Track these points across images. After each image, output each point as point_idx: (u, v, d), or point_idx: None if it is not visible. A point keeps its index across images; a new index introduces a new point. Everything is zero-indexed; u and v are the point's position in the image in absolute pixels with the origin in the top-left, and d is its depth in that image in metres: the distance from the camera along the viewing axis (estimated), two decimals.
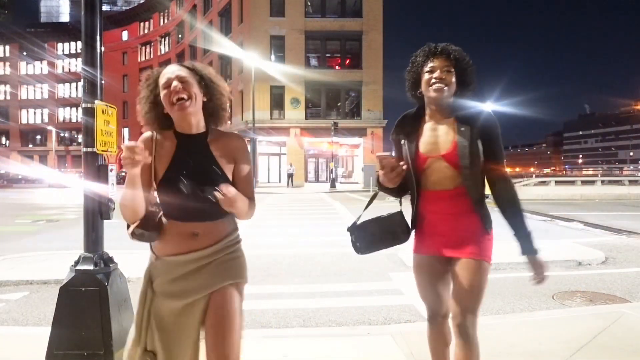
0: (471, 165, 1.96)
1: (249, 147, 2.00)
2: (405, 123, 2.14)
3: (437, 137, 2.03)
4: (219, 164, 1.78)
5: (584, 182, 22.99)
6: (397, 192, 2.13)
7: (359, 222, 2.19)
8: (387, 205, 2.18)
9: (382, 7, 31.98)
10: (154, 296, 1.77)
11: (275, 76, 29.72)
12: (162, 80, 1.75)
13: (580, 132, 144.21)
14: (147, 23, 55.98)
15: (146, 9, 55.33)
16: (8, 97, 63.29)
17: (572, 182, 23.12)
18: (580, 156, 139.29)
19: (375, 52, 31.86)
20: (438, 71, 1.99)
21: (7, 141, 64.32)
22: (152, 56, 54.96)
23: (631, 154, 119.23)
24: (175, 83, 1.71)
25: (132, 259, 6.42)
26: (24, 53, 62.00)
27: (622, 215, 13.24)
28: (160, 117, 1.81)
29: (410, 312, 4.28)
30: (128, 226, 1.76)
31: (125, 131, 57.67)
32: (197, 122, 1.80)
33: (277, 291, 4.99)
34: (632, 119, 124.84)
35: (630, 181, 23.74)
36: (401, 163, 1.93)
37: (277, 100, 31.76)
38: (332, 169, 29.53)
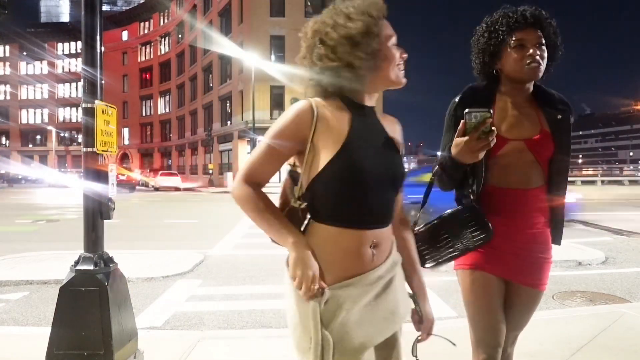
0: (560, 162, 1.62)
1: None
2: (476, 96, 1.69)
3: (519, 117, 1.64)
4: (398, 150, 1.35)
5: (584, 182, 23.01)
6: (463, 180, 1.64)
7: (420, 228, 1.70)
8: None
9: None
10: (335, 345, 1.17)
11: (275, 76, 29.74)
12: (391, 33, 1.29)
13: (580, 132, 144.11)
14: (147, 23, 56.00)
15: (146, 9, 55.34)
16: (8, 97, 63.40)
17: (572, 182, 23.14)
18: (580, 156, 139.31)
19: None
20: (531, 47, 1.59)
21: (7, 141, 64.42)
22: (152, 56, 54.97)
23: (631, 154, 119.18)
24: (395, 41, 1.31)
25: (132, 259, 6.45)
26: (24, 53, 62.06)
27: (622, 215, 13.24)
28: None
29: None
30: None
31: (125, 131, 57.72)
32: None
33: (278, 291, 4.99)
34: (632, 119, 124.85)
35: (630, 181, 23.76)
36: (494, 128, 1.38)
37: (277, 100, 31.75)
38: None
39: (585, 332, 3.32)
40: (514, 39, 1.61)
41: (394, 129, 1.38)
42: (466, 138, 1.40)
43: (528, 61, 1.59)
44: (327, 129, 1.22)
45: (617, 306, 4.23)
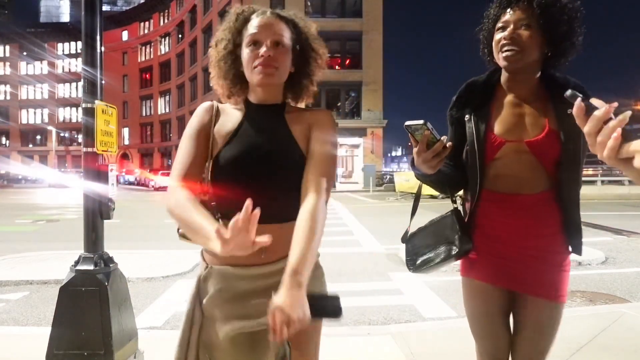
0: (570, 162, 1.41)
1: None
2: (473, 93, 1.52)
3: (520, 115, 1.44)
4: (297, 141, 1.29)
5: (584, 182, 22.98)
6: (443, 184, 1.53)
7: (410, 232, 1.68)
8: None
9: (382, 7, 32.01)
10: (204, 320, 1.28)
11: None
12: (249, 32, 1.29)
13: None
14: (147, 23, 55.99)
15: (146, 9, 55.35)
16: (8, 97, 63.34)
17: None
18: None
19: (375, 52, 31.86)
20: (511, 27, 1.38)
21: (7, 141, 64.35)
22: (152, 56, 54.97)
23: None
24: (264, 49, 1.26)
25: (132, 259, 6.46)
26: (24, 53, 62.01)
27: (622, 215, 13.24)
28: (240, 79, 1.35)
29: (410, 312, 4.28)
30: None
31: (125, 131, 57.73)
32: (277, 93, 1.35)
33: None
34: (632, 119, 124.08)
35: (630, 181, 23.75)
36: (442, 138, 1.26)
37: None
38: None
39: (585, 332, 3.32)
40: (500, 21, 1.43)
41: (309, 122, 1.32)
42: (416, 150, 1.30)
43: (502, 43, 1.40)
44: (218, 129, 1.31)
45: (617, 306, 4.23)
